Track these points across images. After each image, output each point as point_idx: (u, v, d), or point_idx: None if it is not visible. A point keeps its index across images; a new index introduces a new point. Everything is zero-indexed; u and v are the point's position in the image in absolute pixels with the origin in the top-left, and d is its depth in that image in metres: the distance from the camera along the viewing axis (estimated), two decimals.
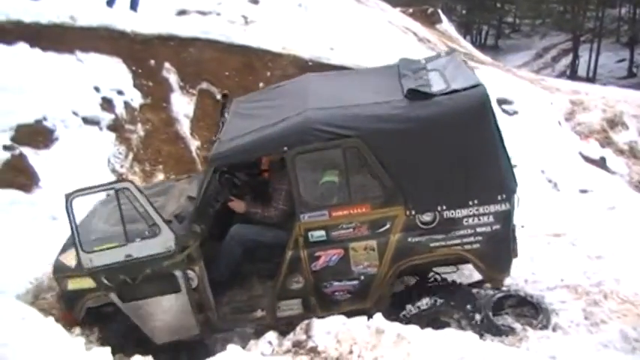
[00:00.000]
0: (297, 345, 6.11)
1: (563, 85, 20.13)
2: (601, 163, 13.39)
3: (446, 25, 23.87)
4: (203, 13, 14.51)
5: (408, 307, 6.88)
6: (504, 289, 8.17)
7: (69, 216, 6.35)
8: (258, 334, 6.85)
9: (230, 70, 12.54)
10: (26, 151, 9.20)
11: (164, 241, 6.42)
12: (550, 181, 11.99)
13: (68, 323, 6.70)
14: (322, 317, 6.58)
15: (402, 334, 5.88)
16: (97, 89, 10.90)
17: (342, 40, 14.81)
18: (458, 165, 6.52)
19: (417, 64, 7.61)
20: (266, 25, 14.68)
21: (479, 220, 6.63)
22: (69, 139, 9.89)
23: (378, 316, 6.18)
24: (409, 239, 6.63)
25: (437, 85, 6.78)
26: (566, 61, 43.27)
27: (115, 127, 10.72)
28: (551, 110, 14.87)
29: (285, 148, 6.43)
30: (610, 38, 43.60)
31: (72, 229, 6.43)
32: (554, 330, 7.42)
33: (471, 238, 6.70)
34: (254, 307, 6.98)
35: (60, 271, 6.82)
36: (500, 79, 16.02)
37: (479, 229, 6.66)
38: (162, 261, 6.49)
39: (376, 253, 6.67)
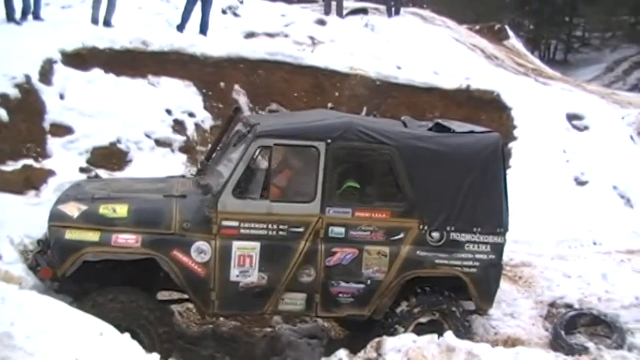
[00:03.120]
0: None
1: (635, 99, 19.71)
2: None
3: (513, 41, 23.58)
4: (271, 35, 14.74)
5: (403, 303, 7.14)
6: (577, 307, 8.08)
7: (242, 157, 6.70)
8: (329, 352, 6.90)
9: (299, 90, 12.67)
10: (101, 172, 9.43)
11: None
12: (623, 197, 11.75)
13: (47, 279, 6.66)
14: (321, 317, 7.50)
15: (472, 351, 5.86)
16: (168, 112, 11.14)
17: (409, 58, 14.86)
18: (469, 193, 7.21)
19: (418, 122, 8.17)
20: (333, 45, 14.82)
21: (478, 247, 7.24)
22: (142, 160, 10.14)
23: (449, 334, 6.17)
24: (418, 252, 7.10)
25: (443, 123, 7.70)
26: (639, 74, 42.29)
27: (187, 148, 10.93)
28: (622, 125, 14.59)
29: (329, 141, 6.81)
30: None
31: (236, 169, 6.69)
32: (629, 350, 7.31)
33: (470, 262, 7.23)
34: None
35: (57, 220, 6.58)
36: (569, 94, 15.83)
37: (477, 256, 7.24)
38: None
39: (387, 260, 7.02)
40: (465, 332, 7.17)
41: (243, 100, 12.16)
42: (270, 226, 6.82)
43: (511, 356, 6.01)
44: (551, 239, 9.52)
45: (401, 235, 7.06)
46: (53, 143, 9.51)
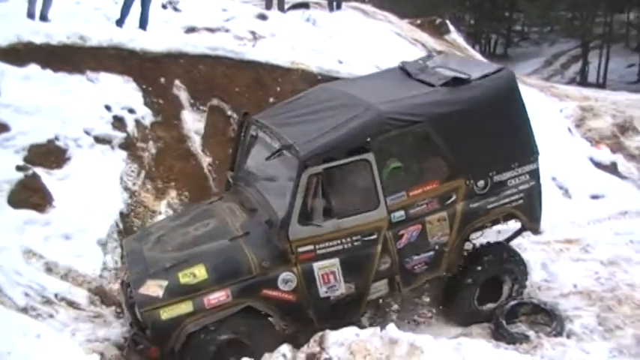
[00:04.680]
0: (311, 357, 6.14)
1: (573, 92, 20.12)
2: (612, 168, 13.35)
3: (454, 35, 23.81)
4: (212, 30, 14.58)
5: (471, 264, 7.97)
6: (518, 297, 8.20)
7: (297, 187, 6.79)
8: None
9: (240, 86, 12.57)
10: (39, 171, 9.23)
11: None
12: (561, 188, 11.98)
13: (157, 358, 6.73)
14: (400, 294, 7.84)
15: (415, 343, 5.92)
16: (108, 108, 10.93)
17: (351, 53, 14.86)
18: (500, 135, 7.68)
19: (418, 65, 8.46)
20: (275, 40, 14.75)
21: (519, 179, 7.84)
22: (81, 158, 9.94)
23: (392, 327, 6.22)
24: (470, 205, 7.63)
25: (461, 75, 7.76)
26: (576, 67, 43.13)
27: (127, 145, 10.75)
28: (560, 117, 14.85)
29: (369, 139, 7.04)
30: (619, 43, 43.33)
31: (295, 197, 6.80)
32: (568, 337, 7.47)
33: (516, 196, 7.86)
34: None
35: (146, 305, 6.67)
36: None
37: (520, 187, 7.87)
38: None
39: (447, 223, 7.52)
40: (522, 283, 8.22)
41: (183, 95, 12.01)
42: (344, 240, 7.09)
43: (453, 347, 6.08)
44: (491, 230, 9.63)
45: (453, 197, 7.53)
46: None
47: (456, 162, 7.47)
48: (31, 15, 12.20)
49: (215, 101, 12.25)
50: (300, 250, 6.94)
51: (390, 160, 7.27)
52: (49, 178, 9.31)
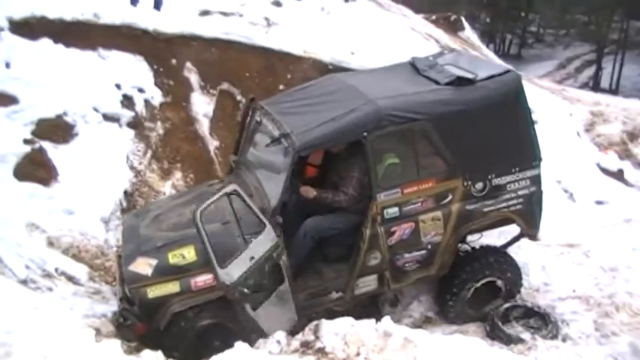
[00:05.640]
0: (305, 345, 6.13)
1: (584, 96, 20.08)
2: (619, 175, 13.33)
3: (469, 32, 23.78)
4: (225, 14, 14.58)
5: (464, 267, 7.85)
6: (512, 300, 8.19)
7: (201, 232, 6.43)
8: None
9: (251, 71, 12.57)
10: (46, 145, 9.25)
11: (269, 233, 6.74)
12: (566, 192, 11.97)
13: (143, 335, 6.76)
14: (393, 290, 7.92)
15: (409, 337, 5.91)
16: (118, 86, 10.96)
17: (364, 44, 14.82)
18: (502, 138, 7.51)
19: (428, 61, 8.27)
20: (288, 27, 14.72)
21: (519, 184, 7.66)
22: (88, 134, 9.94)
23: (387, 320, 6.22)
24: (467, 207, 7.47)
25: (466, 74, 7.57)
26: (590, 72, 43.00)
27: (135, 124, 10.77)
28: (570, 121, 14.82)
29: (365, 134, 6.94)
30: (634, 50, 43.11)
31: (206, 245, 6.47)
32: (563, 340, 7.46)
33: (515, 201, 7.68)
34: (329, 289, 7.41)
35: (135, 282, 6.72)
36: None
37: (520, 192, 7.68)
38: (272, 253, 6.76)
39: (441, 223, 7.39)
40: (514, 288, 8.10)
41: (194, 78, 12.04)
42: None
43: (447, 343, 6.07)
44: (493, 231, 9.65)
45: (449, 197, 7.39)
46: None
47: (454, 162, 7.34)
48: None
49: (225, 85, 12.26)
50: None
51: (387, 156, 7.20)
52: (55, 152, 9.33)
